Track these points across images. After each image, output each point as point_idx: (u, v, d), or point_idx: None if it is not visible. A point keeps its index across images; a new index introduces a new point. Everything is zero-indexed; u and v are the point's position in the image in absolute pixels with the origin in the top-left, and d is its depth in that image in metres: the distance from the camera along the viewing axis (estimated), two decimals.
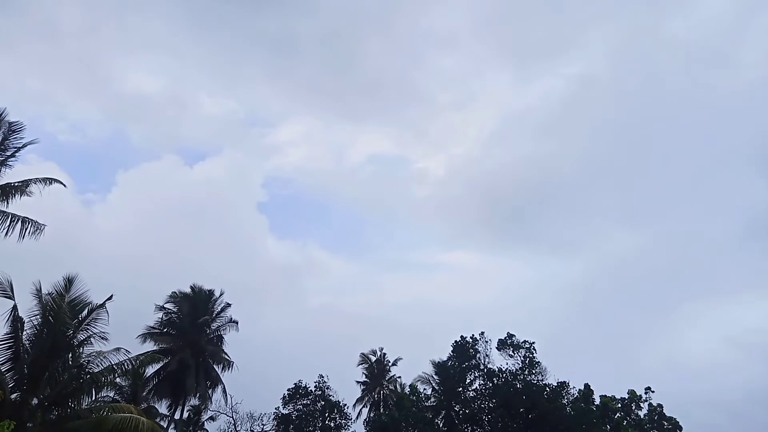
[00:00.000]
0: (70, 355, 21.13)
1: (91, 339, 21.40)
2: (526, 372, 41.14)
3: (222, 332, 41.59)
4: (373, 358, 52.60)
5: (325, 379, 46.98)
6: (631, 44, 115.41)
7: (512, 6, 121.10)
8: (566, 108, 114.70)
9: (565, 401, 40.16)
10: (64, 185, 24.85)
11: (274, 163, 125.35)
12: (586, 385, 40.39)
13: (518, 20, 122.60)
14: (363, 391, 51.67)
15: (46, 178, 23.92)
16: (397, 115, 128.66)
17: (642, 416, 39.82)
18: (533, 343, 42.11)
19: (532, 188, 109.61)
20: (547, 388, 40.24)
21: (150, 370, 36.90)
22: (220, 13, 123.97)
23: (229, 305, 41.65)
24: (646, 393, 40.29)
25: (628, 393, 40.34)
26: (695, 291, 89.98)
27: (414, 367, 50.77)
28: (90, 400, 21.20)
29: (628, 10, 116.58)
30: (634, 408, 39.92)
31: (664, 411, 39.67)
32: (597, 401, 40.02)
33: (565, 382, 41.00)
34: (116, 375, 21.92)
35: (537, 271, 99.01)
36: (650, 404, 40.05)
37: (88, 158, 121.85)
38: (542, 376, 41.13)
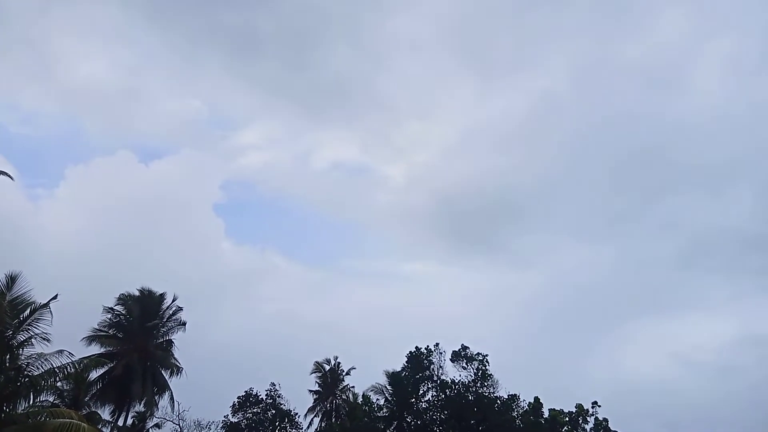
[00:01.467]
0: (8, 356, 20.16)
1: (32, 340, 20.50)
2: (479, 384, 41.63)
3: (172, 337, 40.54)
4: (327, 367, 52.18)
5: (277, 387, 46.38)
6: (591, 64, 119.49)
7: (477, 19, 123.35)
8: (527, 123, 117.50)
9: (515, 414, 40.77)
10: (11, 178, 23.81)
11: (234, 166, 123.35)
12: (536, 399, 41.10)
13: (483, 33, 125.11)
14: (315, 400, 51.16)
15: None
16: (360, 119, 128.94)
17: (588, 430, 40.70)
18: (486, 355, 42.72)
19: (492, 201, 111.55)
20: (498, 401, 40.79)
21: (94, 374, 35.62)
22: (178, 5, 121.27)
23: (180, 309, 40.66)
24: (593, 407, 41.21)
25: (575, 407, 41.18)
26: (643, 308, 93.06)
27: (368, 377, 50.58)
28: (27, 404, 20.30)
29: (590, 30, 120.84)
30: (581, 422, 40.75)
31: (609, 425, 40.64)
32: (546, 414, 40.73)
33: (515, 395, 41.65)
34: (57, 378, 21.07)
35: (494, 283, 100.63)
36: (596, 418, 40.96)
37: (36, 150, 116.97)
38: (494, 388, 41.73)
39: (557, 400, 43.53)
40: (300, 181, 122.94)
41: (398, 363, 43.76)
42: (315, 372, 51.77)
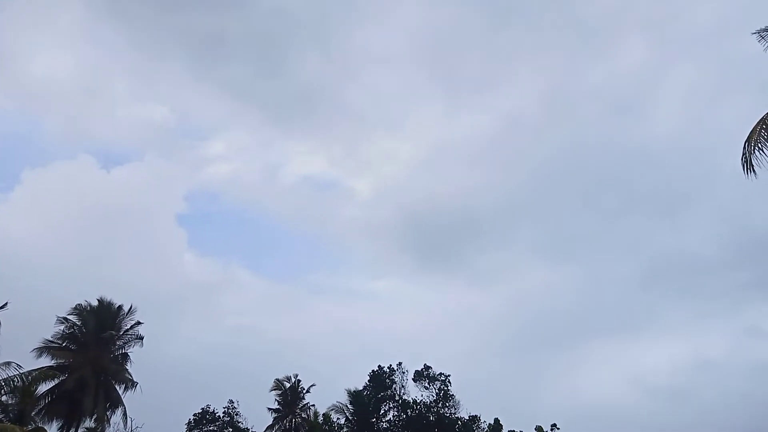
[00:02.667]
0: None
1: None
2: (440, 404, 41.57)
3: (127, 350, 39.32)
4: (288, 385, 51.28)
5: (236, 404, 45.39)
6: (558, 87, 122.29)
7: (449, 35, 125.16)
8: (495, 142, 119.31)
9: None
10: None
11: (199, 175, 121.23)
12: (496, 420, 41.26)
13: (454, 50, 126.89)
14: (275, 419, 50.12)
15: None
16: (329, 130, 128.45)
17: None
18: (449, 375, 42.82)
19: (457, 218, 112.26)
20: (459, 422, 40.79)
21: (43, 388, 34.23)
22: (144, 4, 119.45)
23: (139, 323, 39.52)
24: (551, 429, 41.57)
25: (535, 428, 41.48)
26: (600, 330, 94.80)
27: (329, 395, 49.96)
28: None
29: (558, 53, 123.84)
30: None
31: None
32: None
33: (476, 416, 41.75)
34: (2, 392, 20.17)
35: (457, 302, 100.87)
36: None
37: None
38: (455, 409, 41.75)
39: (517, 421, 43.88)
40: (266, 192, 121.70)
41: (361, 381, 43.53)
42: (275, 389, 50.83)
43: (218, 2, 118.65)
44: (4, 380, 19.46)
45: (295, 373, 51.74)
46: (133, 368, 39.21)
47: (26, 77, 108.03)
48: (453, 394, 41.72)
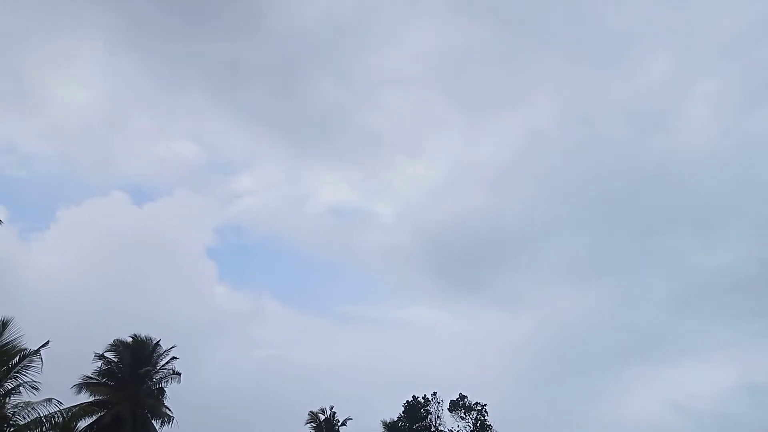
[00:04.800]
0: None
1: (21, 388, 20.03)
2: None
3: (164, 385, 39.63)
4: (322, 417, 50.88)
5: None
6: (579, 105, 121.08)
7: (463, 56, 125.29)
8: (516, 163, 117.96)
9: None
10: (0, 221, 23.44)
11: (228, 209, 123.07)
12: None
13: (469, 70, 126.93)
14: None
15: None
16: (348, 154, 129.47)
17: None
18: (485, 405, 41.90)
19: (481, 241, 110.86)
20: None
21: (83, 424, 34.62)
22: (157, 35, 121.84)
23: (175, 358, 39.91)
24: None
25: None
26: (636, 354, 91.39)
27: (364, 427, 49.24)
28: None
29: (575, 70, 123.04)
30: None
31: None
32: None
33: None
34: (44, 428, 20.47)
35: (485, 327, 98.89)
36: None
37: (27, 190, 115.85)
38: None
39: None
40: (292, 223, 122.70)
41: (395, 412, 42.92)
42: (310, 422, 50.45)
43: (230, 28, 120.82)
44: (46, 417, 19.78)
45: (330, 405, 51.37)
46: (169, 402, 39.52)
47: (56, 118, 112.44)
48: (490, 425, 40.78)
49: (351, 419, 50.36)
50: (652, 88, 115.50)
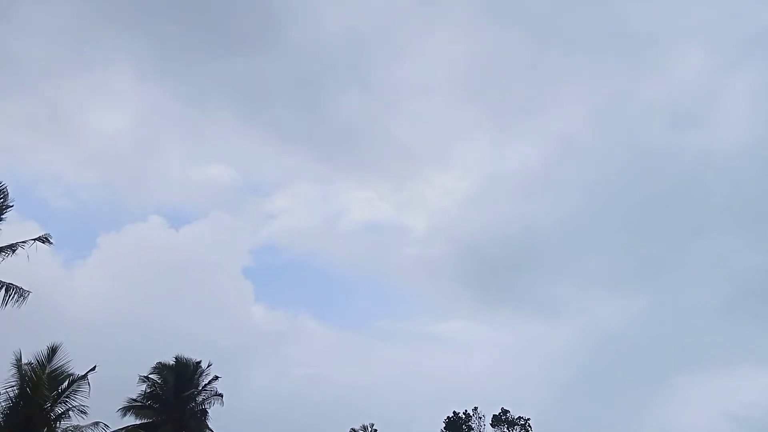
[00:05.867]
0: (45, 430, 20.18)
1: (70, 412, 20.54)
2: None
3: (206, 406, 40.06)
4: None
5: None
6: (610, 106, 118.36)
7: (489, 63, 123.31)
8: (547, 167, 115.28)
9: None
10: (51, 242, 22.91)
11: (263, 229, 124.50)
12: None
13: (497, 78, 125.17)
14: None
15: (40, 237, 22.30)
16: (377, 166, 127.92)
17: None
18: (528, 419, 41.02)
19: (515, 250, 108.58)
20: None
21: None
22: (189, 59, 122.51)
23: (216, 378, 40.38)
24: None
25: None
26: (687, 362, 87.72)
27: None
28: None
29: (606, 71, 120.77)
30: None
31: None
32: None
33: None
34: None
35: (524, 338, 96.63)
36: None
37: (69, 218, 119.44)
38: None
39: None
40: (327, 241, 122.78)
41: (436, 428, 42.34)
42: None
43: (253, 44, 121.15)
44: None
45: (371, 422, 51.08)
46: (212, 423, 39.90)
47: (93, 146, 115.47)
48: None
49: None
50: (685, 85, 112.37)
